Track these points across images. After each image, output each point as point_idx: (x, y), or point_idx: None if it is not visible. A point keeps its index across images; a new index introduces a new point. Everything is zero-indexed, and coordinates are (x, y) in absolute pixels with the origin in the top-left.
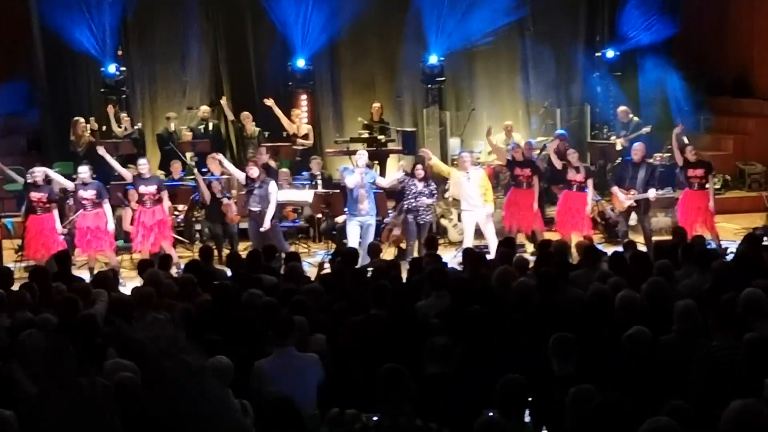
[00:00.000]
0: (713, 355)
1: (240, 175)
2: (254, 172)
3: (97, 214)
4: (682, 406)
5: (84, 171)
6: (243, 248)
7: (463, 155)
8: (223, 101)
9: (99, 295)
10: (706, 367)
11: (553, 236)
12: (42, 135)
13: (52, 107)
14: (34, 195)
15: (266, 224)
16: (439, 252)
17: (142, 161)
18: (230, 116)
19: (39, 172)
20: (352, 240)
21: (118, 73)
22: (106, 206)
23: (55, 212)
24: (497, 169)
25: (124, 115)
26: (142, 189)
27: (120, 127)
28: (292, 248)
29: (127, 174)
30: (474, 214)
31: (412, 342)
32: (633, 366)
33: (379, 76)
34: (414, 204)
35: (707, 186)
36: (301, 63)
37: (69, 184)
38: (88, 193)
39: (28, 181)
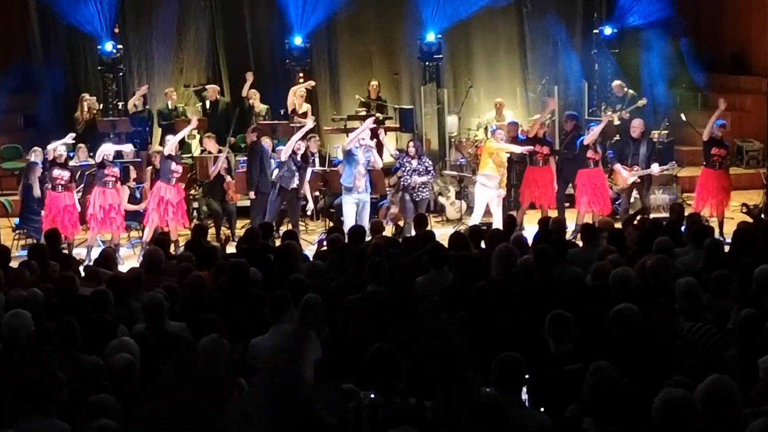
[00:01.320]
0: (694, 336)
1: (287, 151)
2: (302, 149)
3: (117, 192)
4: (683, 382)
5: (110, 148)
6: (241, 226)
7: (498, 131)
8: (249, 76)
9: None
10: (692, 348)
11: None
12: (39, 113)
13: (48, 85)
14: (57, 173)
15: (311, 204)
16: (435, 229)
17: (170, 137)
18: (244, 92)
19: (62, 150)
20: (350, 217)
21: (114, 51)
22: (123, 186)
23: (75, 191)
24: None
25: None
26: (173, 167)
27: (135, 107)
28: (288, 226)
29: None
30: (490, 192)
31: (410, 319)
32: (619, 341)
33: (376, 53)
34: (408, 181)
35: (724, 166)
36: (298, 41)
37: (98, 157)
38: (114, 171)
39: (63, 156)
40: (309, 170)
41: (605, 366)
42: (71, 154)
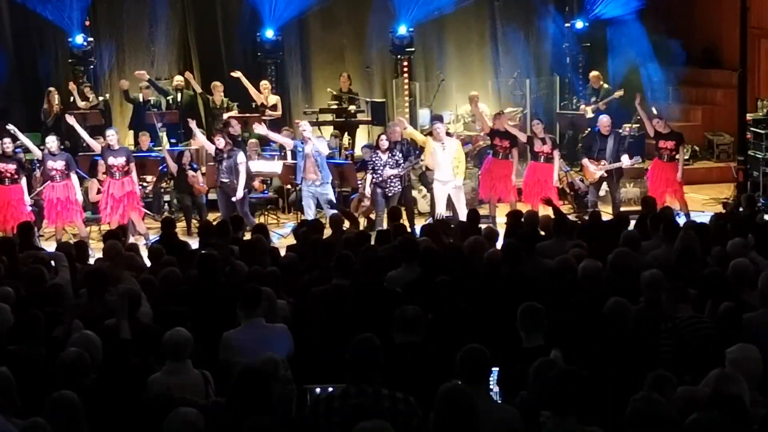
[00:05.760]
0: (678, 327)
1: (210, 147)
2: (221, 143)
3: (66, 185)
4: (664, 376)
5: (52, 141)
6: (212, 219)
7: (437, 125)
8: (188, 75)
9: (59, 261)
10: (674, 338)
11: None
12: (9, 106)
13: (18, 78)
14: (2, 165)
15: (239, 194)
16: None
17: (110, 132)
18: (198, 89)
19: (8, 142)
20: (308, 212)
21: (85, 43)
22: (74, 177)
23: (23, 183)
24: (465, 140)
25: (87, 88)
26: (111, 160)
27: (84, 101)
28: (260, 219)
29: (96, 145)
30: (446, 187)
31: (379, 312)
32: (614, 338)
33: (348, 46)
34: (381, 177)
35: (677, 157)
36: (269, 33)
37: (36, 151)
38: (58, 164)
39: (9, 148)
40: (279, 163)
41: (553, 360)
42: (42, 147)
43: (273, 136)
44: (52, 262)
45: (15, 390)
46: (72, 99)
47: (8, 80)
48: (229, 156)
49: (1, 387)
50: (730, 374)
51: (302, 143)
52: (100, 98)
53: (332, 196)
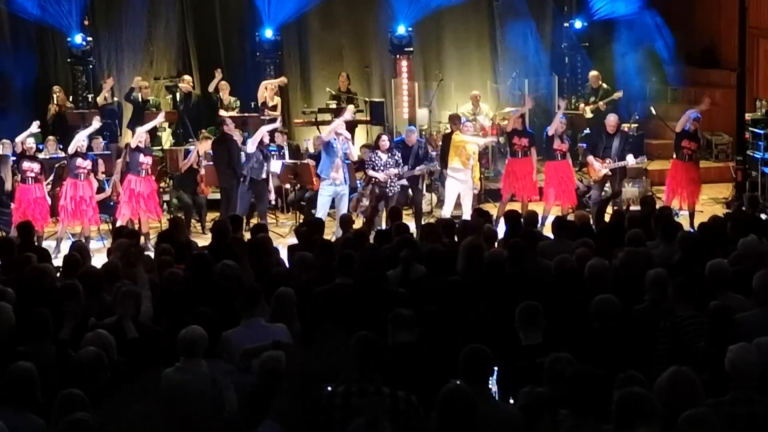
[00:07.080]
0: (677, 326)
1: (265, 139)
2: (279, 138)
3: (89, 185)
4: (635, 376)
5: (84, 140)
6: (211, 219)
7: (466, 123)
8: (218, 73)
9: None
10: (671, 337)
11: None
12: (8, 105)
13: (18, 77)
14: (27, 165)
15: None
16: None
17: (140, 130)
18: (211, 88)
19: (31, 141)
20: (322, 209)
21: (84, 43)
22: (93, 178)
23: (44, 183)
24: None
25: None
26: (142, 158)
27: (105, 99)
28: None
29: (136, 141)
30: (460, 184)
31: (379, 311)
32: (600, 333)
33: (347, 46)
34: (383, 177)
35: (694, 158)
36: (269, 33)
37: (71, 149)
38: (86, 163)
39: (33, 148)
40: (279, 162)
41: (566, 357)
42: (41, 147)
43: (332, 125)
44: None
45: (37, 386)
46: (72, 97)
47: (7, 80)
48: (268, 155)
49: (24, 383)
50: (685, 372)
51: (334, 139)
52: (115, 99)
53: (347, 198)
